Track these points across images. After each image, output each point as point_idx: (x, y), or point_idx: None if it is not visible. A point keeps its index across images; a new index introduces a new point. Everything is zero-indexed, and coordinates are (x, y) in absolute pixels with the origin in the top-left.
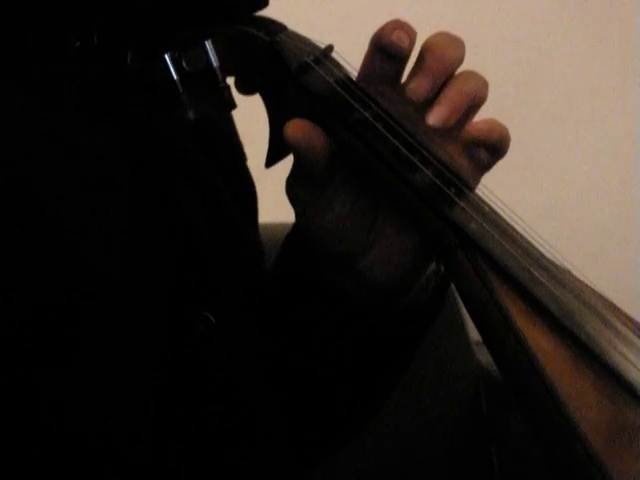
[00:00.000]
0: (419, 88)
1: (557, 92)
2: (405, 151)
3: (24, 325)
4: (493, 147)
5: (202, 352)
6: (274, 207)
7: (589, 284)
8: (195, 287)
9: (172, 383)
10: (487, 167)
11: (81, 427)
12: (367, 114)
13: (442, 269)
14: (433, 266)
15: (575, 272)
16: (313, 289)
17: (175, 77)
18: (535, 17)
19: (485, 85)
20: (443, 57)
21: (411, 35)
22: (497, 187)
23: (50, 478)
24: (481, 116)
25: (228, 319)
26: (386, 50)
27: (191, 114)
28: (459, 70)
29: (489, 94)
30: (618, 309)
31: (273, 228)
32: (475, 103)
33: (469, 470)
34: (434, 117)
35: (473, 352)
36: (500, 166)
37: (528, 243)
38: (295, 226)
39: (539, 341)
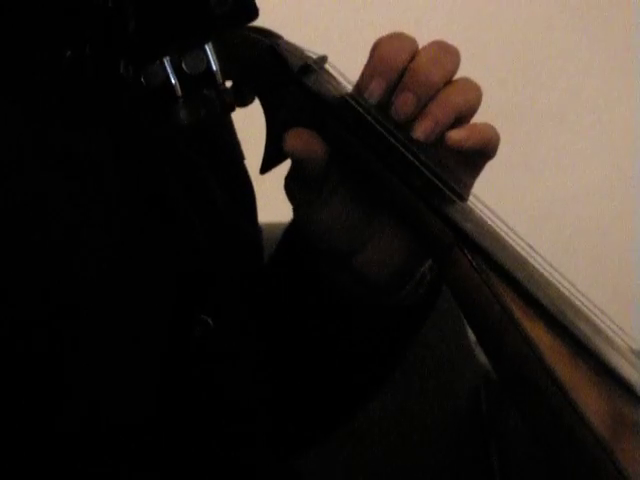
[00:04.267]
0: (402, 111)
1: (557, 92)
2: (405, 152)
3: (21, 331)
4: (474, 152)
5: (201, 355)
6: (274, 207)
7: (579, 285)
8: (194, 291)
9: (171, 387)
10: (478, 168)
11: (83, 430)
12: (368, 116)
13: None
14: (429, 261)
15: (575, 272)
16: (309, 283)
17: (174, 81)
18: (535, 17)
19: (477, 93)
20: (428, 79)
21: (408, 49)
22: (497, 187)
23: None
24: (481, 117)
25: (227, 321)
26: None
27: (189, 117)
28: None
29: (489, 94)
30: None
31: (273, 228)
32: (464, 114)
33: (469, 470)
34: (417, 131)
35: (473, 352)
36: (500, 166)
37: (515, 249)
38: (293, 221)
39: (539, 335)
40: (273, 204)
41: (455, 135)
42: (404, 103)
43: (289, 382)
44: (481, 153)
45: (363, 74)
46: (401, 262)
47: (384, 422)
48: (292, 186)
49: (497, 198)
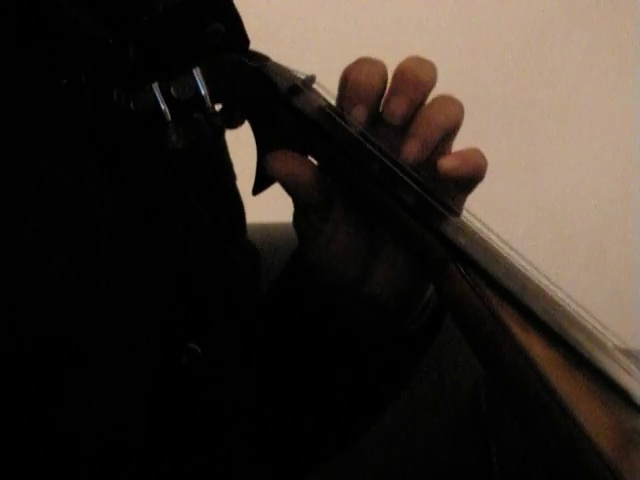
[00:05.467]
0: (396, 112)
1: (557, 92)
2: (395, 169)
3: (10, 361)
4: (465, 179)
5: (189, 383)
6: (273, 207)
7: (579, 285)
8: (181, 320)
9: (159, 414)
10: (467, 190)
11: (72, 456)
12: (356, 135)
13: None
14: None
15: (574, 272)
16: (316, 312)
17: (163, 107)
18: (536, 17)
19: (460, 110)
20: (417, 79)
21: (381, 72)
22: (497, 187)
23: None
24: (481, 118)
25: (214, 349)
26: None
27: (180, 143)
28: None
29: (490, 95)
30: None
31: (272, 228)
32: (449, 131)
33: (469, 470)
34: (407, 153)
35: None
36: (500, 166)
37: (509, 260)
38: (297, 255)
39: (535, 348)
40: (273, 204)
41: (447, 164)
42: (398, 105)
43: (292, 407)
44: (472, 179)
45: (341, 100)
46: (408, 286)
47: (384, 422)
48: (298, 218)
49: (497, 198)
